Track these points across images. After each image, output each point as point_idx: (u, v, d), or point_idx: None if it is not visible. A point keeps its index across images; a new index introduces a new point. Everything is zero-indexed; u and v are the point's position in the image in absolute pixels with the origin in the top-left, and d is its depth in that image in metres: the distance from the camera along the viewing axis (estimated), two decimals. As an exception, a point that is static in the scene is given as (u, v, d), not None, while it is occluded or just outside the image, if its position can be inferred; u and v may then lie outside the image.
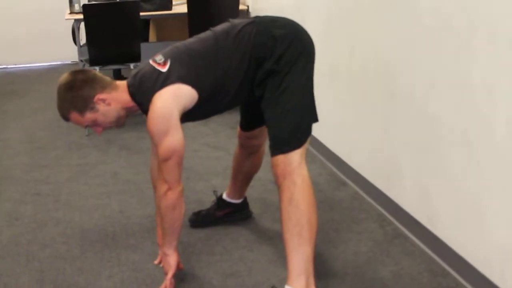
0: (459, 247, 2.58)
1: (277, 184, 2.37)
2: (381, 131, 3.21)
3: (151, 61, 2.44)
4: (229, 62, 2.41)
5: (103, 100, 2.41)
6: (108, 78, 2.50)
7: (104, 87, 2.43)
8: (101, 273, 2.70)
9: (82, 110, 2.41)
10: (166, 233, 2.49)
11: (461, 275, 2.55)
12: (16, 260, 2.84)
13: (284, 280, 2.33)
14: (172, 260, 2.51)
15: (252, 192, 3.28)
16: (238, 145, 2.97)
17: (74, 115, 2.42)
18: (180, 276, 2.64)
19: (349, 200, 3.41)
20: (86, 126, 2.52)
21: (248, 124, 2.82)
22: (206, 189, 3.60)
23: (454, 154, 2.56)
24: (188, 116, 2.41)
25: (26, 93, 6.14)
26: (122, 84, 2.50)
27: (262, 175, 3.24)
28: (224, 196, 3.16)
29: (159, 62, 2.41)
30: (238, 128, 2.90)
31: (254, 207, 3.26)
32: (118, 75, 5.71)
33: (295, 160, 2.33)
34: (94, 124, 2.46)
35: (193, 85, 2.36)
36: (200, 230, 3.09)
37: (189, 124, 2.61)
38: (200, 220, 3.13)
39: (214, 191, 3.20)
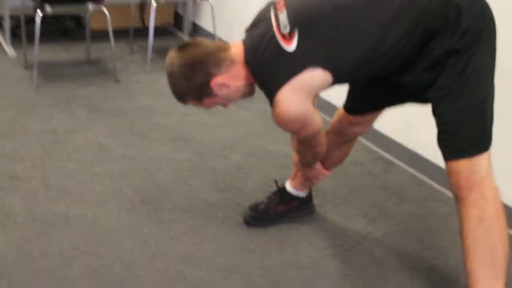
0: None
1: (457, 196, 1.85)
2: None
3: (274, 27, 1.87)
4: (381, 33, 1.81)
5: (221, 85, 1.97)
6: (220, 48, 1.99)
7: (218, 65, 1.96)
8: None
9: (199, 98, 2.02)
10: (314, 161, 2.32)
11: None
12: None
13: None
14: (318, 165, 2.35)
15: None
16: (331, 131, 2.34)
17: (191, 101, 2.05)
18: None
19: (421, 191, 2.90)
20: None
21: (361, 107, 2.22)
22: (228, 168, 2.94)
23: None
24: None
25: None
26: (239, 54, 1.98)
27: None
28: (289, 188, 2.52)
29: (284, 33, 1.85)
30: (340, 111, 2.27)
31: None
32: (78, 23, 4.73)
33: (483, 168, 1.80)
34: (217, 104, 2.07)
35: (325, 66, 1.85)
36: (262, 230, 2.46)
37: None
38: (259, 217, 2.49)
39: (275, 181, 2.55)
